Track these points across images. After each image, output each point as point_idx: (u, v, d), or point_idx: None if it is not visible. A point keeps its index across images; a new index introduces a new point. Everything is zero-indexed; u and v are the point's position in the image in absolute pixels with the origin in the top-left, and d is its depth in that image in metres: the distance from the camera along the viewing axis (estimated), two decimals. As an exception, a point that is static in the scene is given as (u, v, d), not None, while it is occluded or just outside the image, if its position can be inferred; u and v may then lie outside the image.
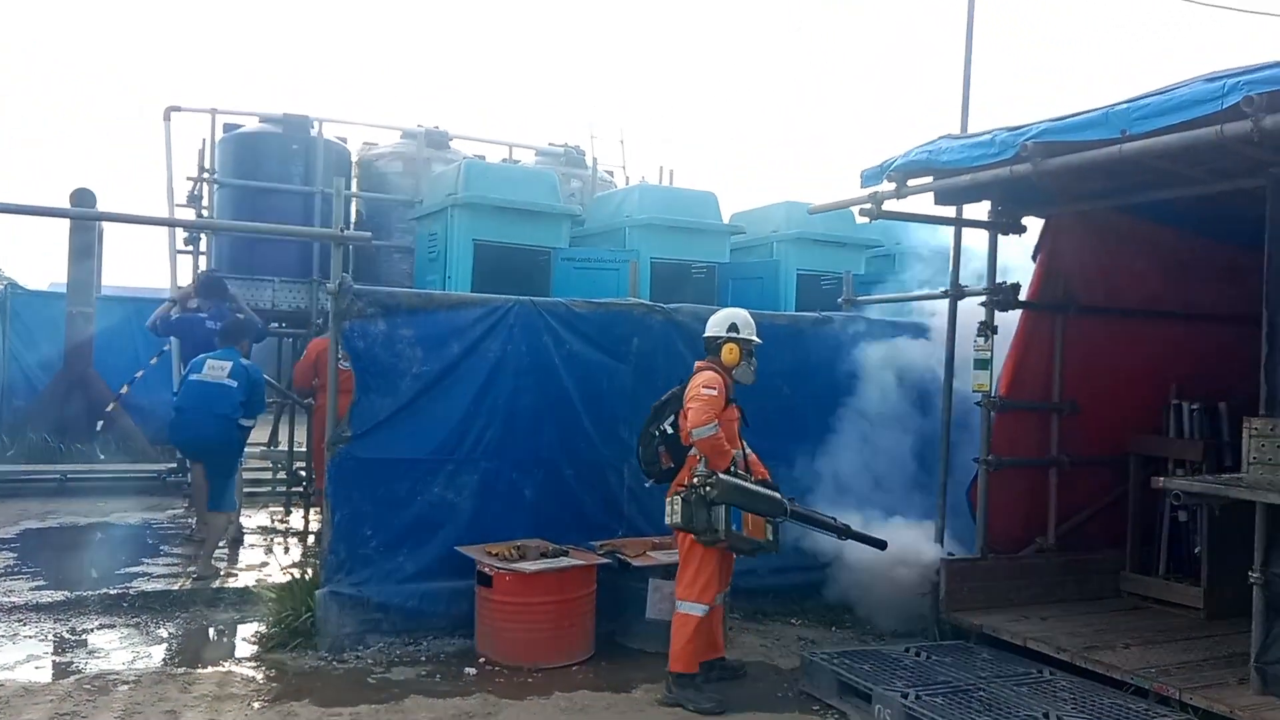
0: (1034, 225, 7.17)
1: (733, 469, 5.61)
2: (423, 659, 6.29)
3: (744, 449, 5.92)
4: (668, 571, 6.57)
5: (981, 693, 5.41)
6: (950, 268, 7.32)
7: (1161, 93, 4.87)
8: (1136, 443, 7.26)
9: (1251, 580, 5.23)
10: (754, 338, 5.96)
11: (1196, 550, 6.79)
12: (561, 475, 7.17)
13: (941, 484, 7.09)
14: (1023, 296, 6.96)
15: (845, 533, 6.03)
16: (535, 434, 7.08)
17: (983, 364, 6.87)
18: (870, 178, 6.55)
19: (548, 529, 6.95)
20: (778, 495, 5.67)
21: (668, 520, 5.62)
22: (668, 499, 5.64)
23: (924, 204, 6.97)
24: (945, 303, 7.26)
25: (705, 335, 6.04)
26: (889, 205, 6.57)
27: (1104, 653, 5.80)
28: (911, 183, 6.38)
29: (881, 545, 6.16)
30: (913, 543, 6.85)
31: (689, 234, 10.68)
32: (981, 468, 6.86)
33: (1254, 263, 5.75)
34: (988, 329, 6.89)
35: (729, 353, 5.85)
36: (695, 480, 5.52)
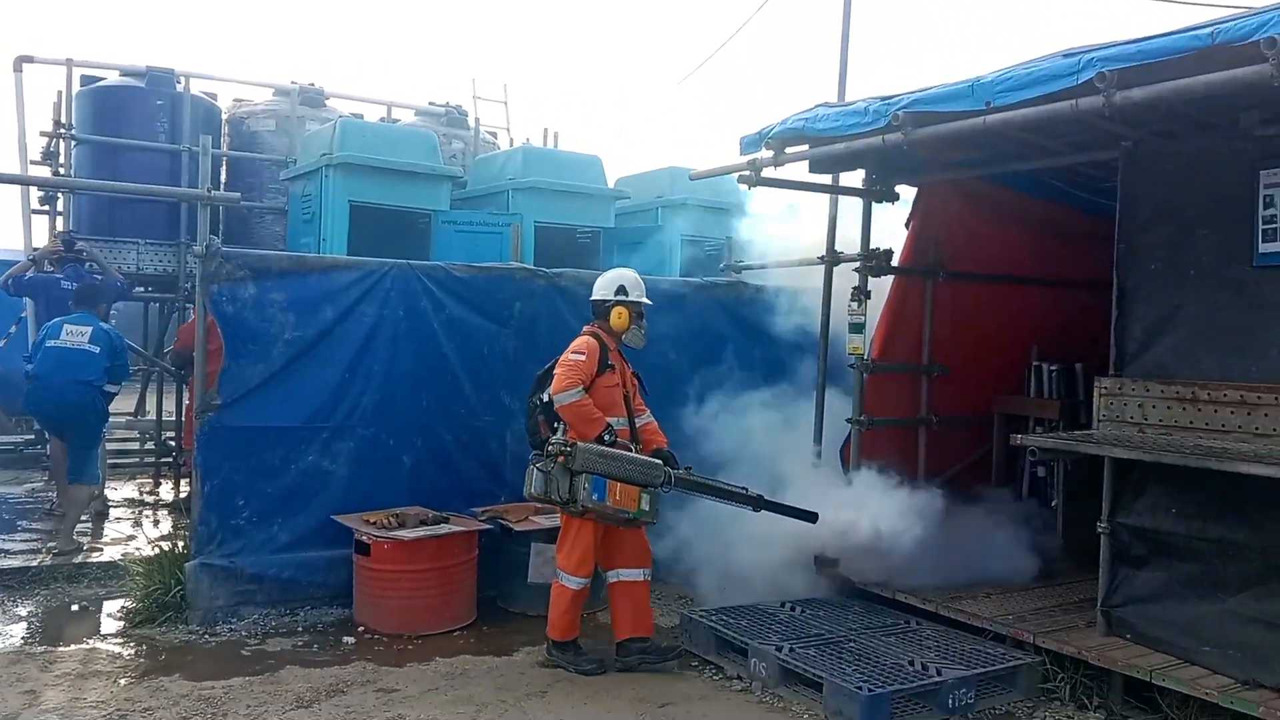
0: (907, 193, 7.37)
1: (609, 437, 5.43)
2: (299, 629, 6.18)
3: (633, 417, 5.70)
4: (550, 536, 6.60)
5: (852, 643, 5.62)
6: (826, 234, 7.48)
7: (1023, 66, 5.05)
8: (1000, 402, 7.60)
9: (1100, 530, 5.55)
10: (644, 300, 5.81)
11: (1054, 503, 7.16)
12: (441, 442, 7.10)
13: (816, 445, 7.28)
14: (895, 263, 7.15)
15: (760, 503, 5.78)
16: (414, 400, 7.00)
17: (857, 328, 7.05)
18: (749, 144, 6.63)
19: (428, 496, 6.89)
20: (655, 463, 5.46)
21: (525, 491, 5.46)
22: (527, 470, 5.46)
23: (801, 171, 7.09)
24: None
25: (592, 298, 5.86)
26: (767, 172, 6.66)
27: (967, 602, 6.08)
28: (789, 150, 6.48)
29: (812, 518, 5.96)
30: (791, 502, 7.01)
31: (573, 198, 10.60)
32: (855, 428, 7.07)
33: (1108, 231, 6.05)
34: (861, 294, 7.07)
35: (617, 316, 5.69)
36: (551, 448, 5.34)
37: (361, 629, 6.18)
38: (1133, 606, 5.37)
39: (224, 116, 12.00)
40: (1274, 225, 5.04)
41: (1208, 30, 4.19)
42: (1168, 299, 5.51)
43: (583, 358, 5.49)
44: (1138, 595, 5.37)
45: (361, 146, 9.53)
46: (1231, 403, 5.07)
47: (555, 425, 5.59)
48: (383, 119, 12.97)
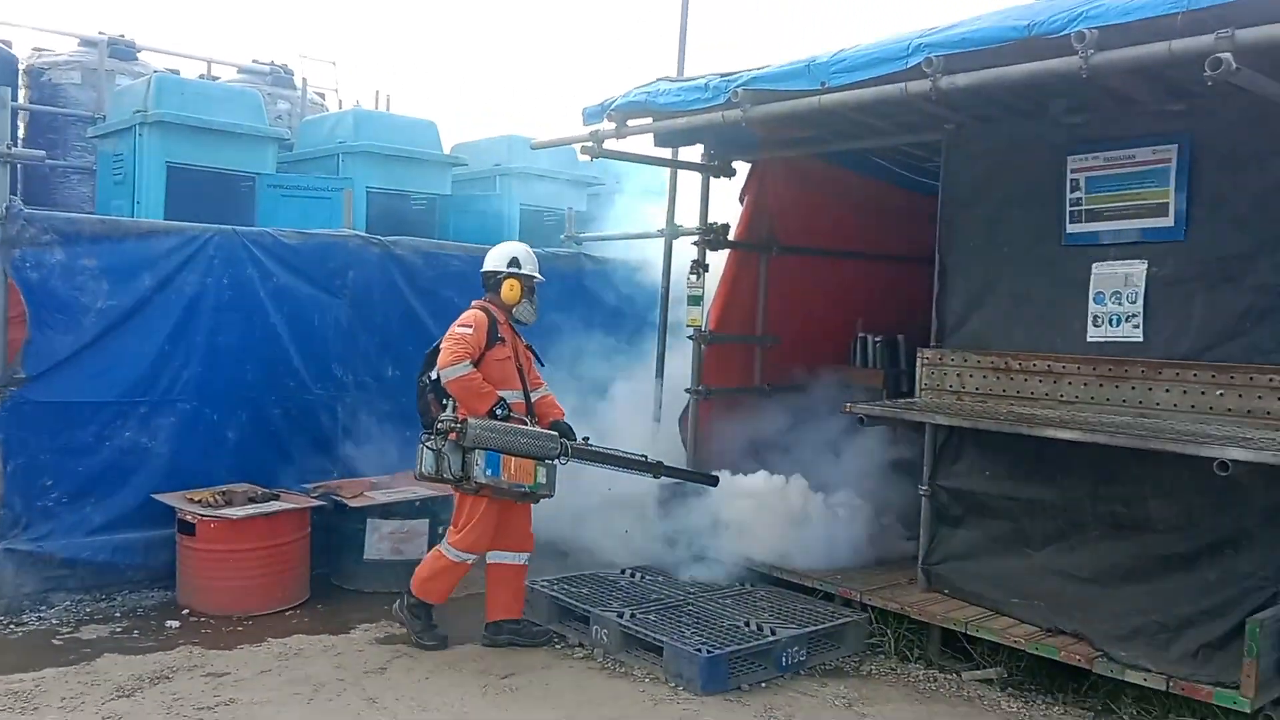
0: (743, 169, 7.53)
1: (501, 411, 5.30)
2: (118, 615, 5.85)
3: (528, 390, 5.58)
4: (385, 511, 6.49)
5: (691, 607, 5.76)
6: (666, 208, 7.57)
7: (856, 48, 5.22)
8: (828, 372, 7.90)
9: (920, 492, 5.88)
10: (536, 274, 5.67)
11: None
12: (270, 416, 6.84)
13: (656, 413, 7.40)
14: (732, 237, 7.31)
15: (659, 470, 5.85)
16: (239, 373, 6.71)
17: (695, 300, 7.19)
18: (592, 115, 6.61)
19: (256, 473, 6.63)
20: (550, 435, 5.40)
21: (416, 472, 5.30)
22: (417, 449, 5.31)
23: (643, 144, 7.14)
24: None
25: (483, 270, 5.66)
26: (610, 144, 6.67)
27: (798, 563, 6.32)
28: (631, 123, 6.50)
29: (713, 481, 6.09)
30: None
31: (408, 163, 10.30)
32: (692, 397, 7.22)
33: (929, 208, 6.36)
34: (699, 267, 7.21)
35: (509, 289, 5.53)
36: (440, 426, 5.22)
37: (186, 612, 5.90)
38: (950, 563, 5.72)
39: (21, 66, 11.04)
40: (1080, 207, 5.41)
41: (1025, 23, 4.44)
42: (984, 275, 5.84)
43: (469, 331, 5.32)
44: (955, 553, 5.72)
45: (180, 104, 8.95)
46: (1040, 372, 5.44)
47: (445, 403, 5.41)
48: (202, 76, 12.24)
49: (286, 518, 6.12)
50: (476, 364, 5.30)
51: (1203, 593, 4.65)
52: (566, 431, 5.56)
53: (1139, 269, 5.20)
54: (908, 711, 4.85)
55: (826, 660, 5.41)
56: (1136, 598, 4.85)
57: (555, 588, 5.98)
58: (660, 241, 7.81)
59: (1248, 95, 4.34)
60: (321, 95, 13.59)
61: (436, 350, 5.42)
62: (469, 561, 5.47)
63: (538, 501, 5.49)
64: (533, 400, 5.61)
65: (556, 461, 5.39)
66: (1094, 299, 5.35)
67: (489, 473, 5.16)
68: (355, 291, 7.16)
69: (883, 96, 5.08)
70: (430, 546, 6.56)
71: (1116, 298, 5.27)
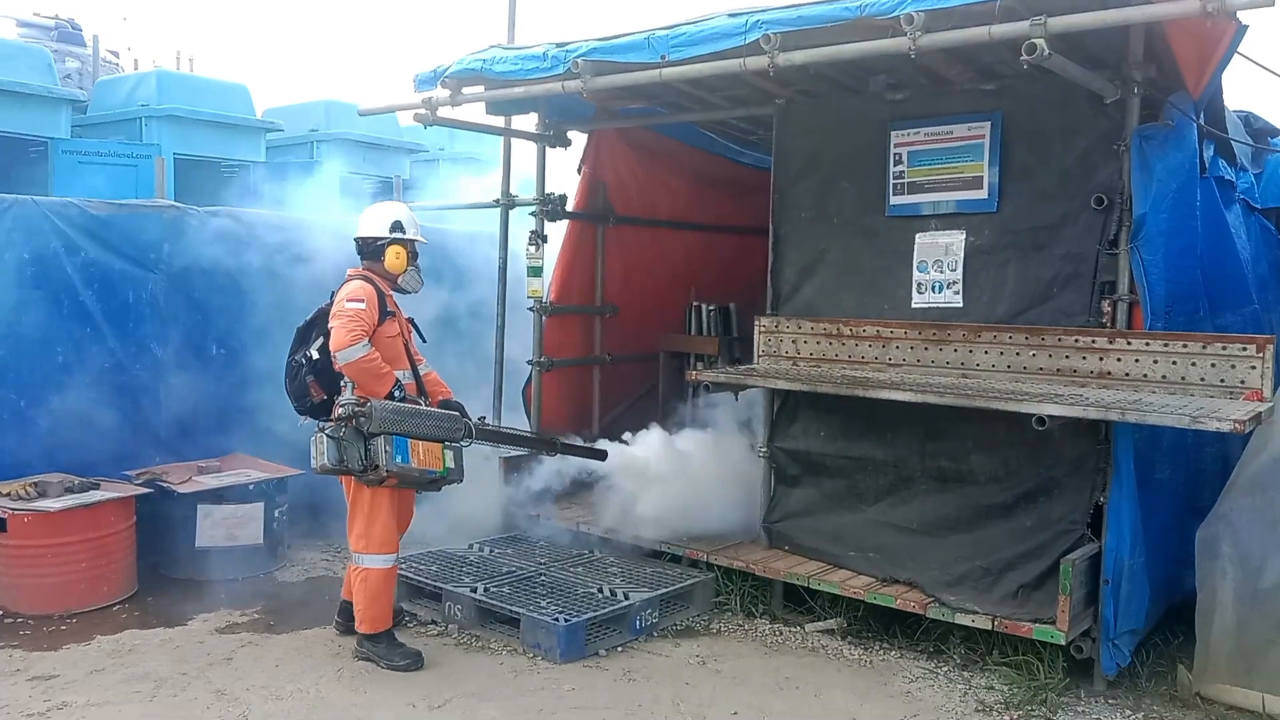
0: (579, 139, 7.54)
1: (399, 393, 4.92)
2: (-82, 623, 5.37)
3: (416, 367, 5.20)
4: (217, 496, 6.21)
5: (543, 577, 5.81)
6: (501, 177, 7.50)
7: (694, 23, 5.30)
8: (665, 340, 8.08)
9: (759, 454, 6.13)
10: (419, 238, 5.25)
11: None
12: (83, 400, 6.36)
13: (497, 385, 7.37)
14: (569, 207, 7.32)
15: (554, 447, 5.70)
16: (47, 355, 6.22)
17: (534, 271, 7.17)
18: (424, 82, 6.44)
19: (71, 461, 6.18)
20: (454, 415, 5.05)
21: (314, 464, 4.70)
22: (312, 439, 4.70)
23: (476, 112, 7.03)
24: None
25: (359, 236, 5.14)
26: (443, 112, 6.53)
27: (644, 527, 6.45)
28: (465, 90, 6.37)
29: (602, 456, 5.95)
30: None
31: (218, 128, 9.81)
32: (535, 369, 7.22)
33: (759, 181, 6.56)
34: (538, 238, 7.19)
35: (394, 257, 5.05)
36: (342, 412, 4.67)
37: (1, 614, 5.48)
38: (789, 521, 5.99)
39: None
40: (902, 180, 5.73)
41: (858, 4, 4.64)
42: (815, 245, 6.10)
43: (362, 306, 4.82)
44: (793, 510, 6.00)
45: (-45, 60, 8.18)
46: (869, 337, 5.75)
47: (329, 386, 4.94)
48: (-26, 28, 11.17)
49: (109, 508, 5.75)
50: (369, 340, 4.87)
51: (1021, 538, 5.07)
52: (461, 410, 5.24)
53: (958, 239, 5.57)
54: (757, 664, 5.07)
55: (678, 620, 5.58)
56: (962, 546, 5.24)
57: (405, 566, 5.88)
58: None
59: (1053, 77, 4.72)
60: (115, 54, 12.67)
61: (310, 326, 5.01)
62: (395, 563, 5.04)
63: (439, 489, 5.13)
64: (421, 377, 5.24)
65: (462, 443, 5.06)
66: (917, 267, 5.70)
67: (399, 460, 4.72)
68: (173, 265, 6.75)
69: (722, 71, 5.20)
70: (267, 531, 6.37)
71: (938, 266, 5.62)
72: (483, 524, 6.73)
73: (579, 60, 5.60)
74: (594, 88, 5.66)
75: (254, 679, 4.75)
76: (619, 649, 5.21)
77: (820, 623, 5.51)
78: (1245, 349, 4.61)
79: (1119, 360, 4.89)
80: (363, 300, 4.84)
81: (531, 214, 7.25)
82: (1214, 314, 5.32)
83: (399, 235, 5.11)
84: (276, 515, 6.46)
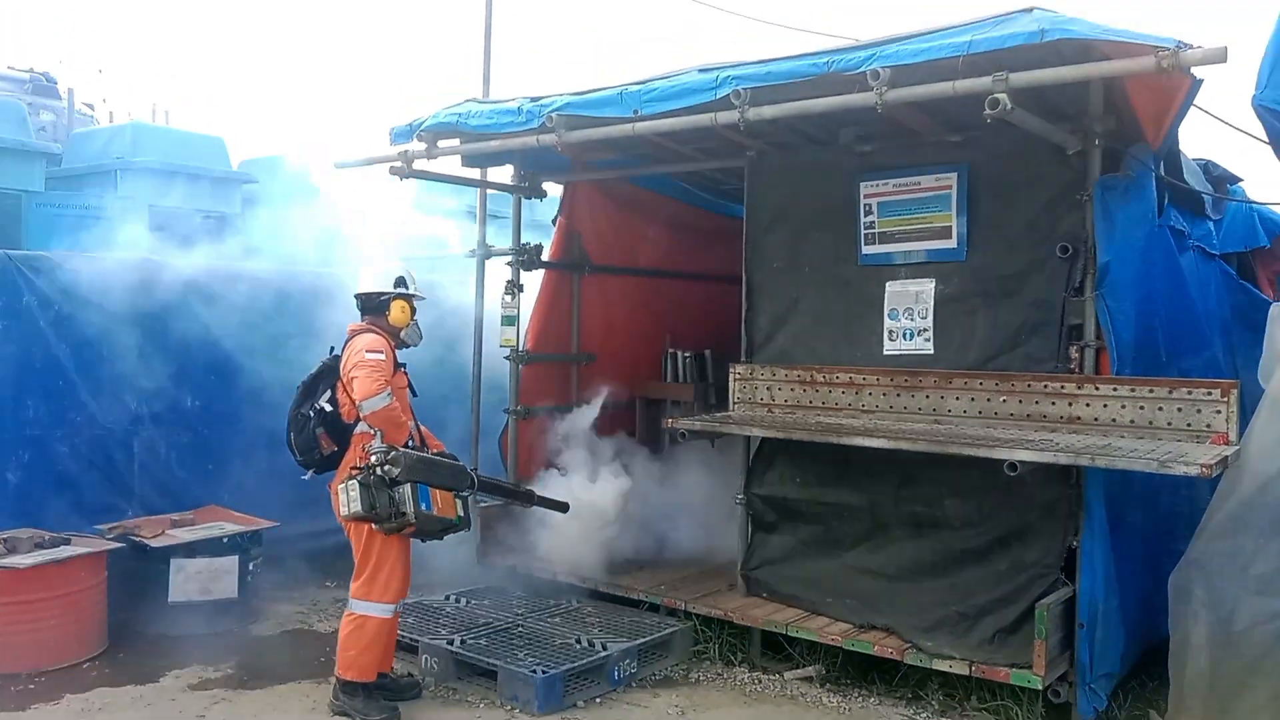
0: (555, 190, 7.63)
1: (412, 444, 4.97)
2: (-119, 684, 5.26)
3: (415, 421, 5.24)
4: (190, 549, 6.15)
5: (521, 628, 5.78)
6: (478, 228, 7.56)
7: (666, 78, 5.42)
8: (641, 387, 8.12)
9: (736, 501, 6.15)
10: (422, 294, 5.35)
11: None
12: (55, 454, 6.34)
13: (474, 433, 7.37)
14: (545, 257, 7.39)
15: (530, 499, 5.73)
16: (18, 408, 6.21)
17: (509, 320, 7.21)
18: (400, 135, 6.52)
19: (40, 516, 6.13)
20: (462, 466, 5.08)
21: (343, 512, 4.70)
22: (338, 487, 4.76)
23: (451, 165, 7.10)
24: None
25: (363, 291, 5.21)
26: (419, 165, 6.60)
27: (624, 577, 6.46)
28: (441, 144, 6.44)
29: (564, 508, 5.92)
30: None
31: (195, 180, 9.77)
32: (511, 417, 7.24)
33: (731, 229, 6.65)
34: (514, 287, 7.24)
35: (400, 312, 5.12)
36: (375, 459, 4.67)
37: (-34, 674, 5.38)
38: (768, 568, 6.00)
39: None
40: (873, 230, 5.83)
41: (825, 60, 4.76)
42: (788, 293, 6.18)
43: (382, 358, 4.90)
44: (771, 557, 6.01)
45: (-70, 115, 8.18)
46: (843, 384, 5.81)
47: (339, 438, 4.97)
48: (-51, 83, 11.18)
49: (80, 563, 5.68)
50: None
51: (996, 582, 5.10)
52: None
53: (928, 287, 5.66)
54: (736, 714, 5.06)
55: (656, 670, 5.56)
56: (938, 591, 5.27)
57: (380, 618, 5.84)
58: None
59: (1018, 129, 4.83)
60: (90, 106, 12.69)
61: (316, 379, 5.02)
62: (399, 612, 5.05)
63: (442, 538, 5.11)
64: (420, 431, 5.27)
65: (467, 493, 5.05)
66: (888, 315, 5.78)
67: (423, 506, 4.73)
68: (149, 318, 6.74)
69: (694, 125, 5.30)
70: (241, 585, 6.30)
71: (909, 314, 5.71)
72: (460, 575, 6.70)
73: (553, 114, 5.68)
74: (568, 141, 5.75)
75: (228, 736, 4.69)
76: (597, 700, 5.18)
77: (799, 670, 5.51)
78: (1210, 393, 4.70)
79: (1088, 405, 4.97)
80: (382, 352, 4.92)
81: (507, 264, 7.30)
82: (1176, 359, 5.42)
83: (403, 290, 5.18)
84: (251, 568, 6.40)
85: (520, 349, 7.23)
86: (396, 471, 4.64)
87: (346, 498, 4.64)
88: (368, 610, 4.90)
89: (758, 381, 6.18)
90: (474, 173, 7.51)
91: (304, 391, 5.05)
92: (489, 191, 7.77)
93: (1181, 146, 5.59)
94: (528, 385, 7.32)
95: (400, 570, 4.98)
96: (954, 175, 5.58)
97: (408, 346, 5.29)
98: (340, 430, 4.96)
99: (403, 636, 5.58)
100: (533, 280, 7.43)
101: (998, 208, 5.43)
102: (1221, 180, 6.87)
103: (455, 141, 6.51)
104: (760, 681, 5.45)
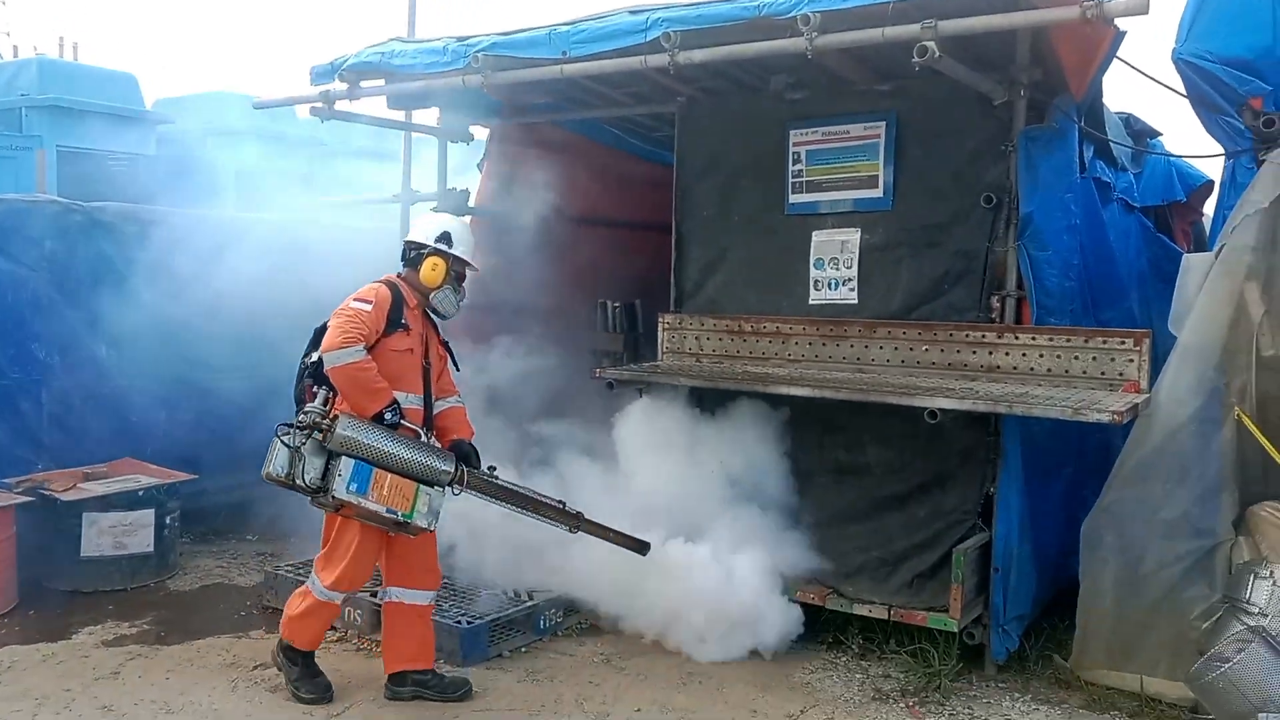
0: (482, 134, 7.47)
1: (391, 416, 4.28)
2: None
3: (431, 397, 4.56)
4: (104, 503, 5.99)
5: (447, 580, 5.71)
6: (402, 171, 7.38)
7: (596, 19, 5.30)
8: (573, 338, 8.04)
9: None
10: (469, 259, 4.67)
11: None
12: (-42, 405, 6.09)
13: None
14: (471, 203, 7.24)
15: (579, 523, 4.77)
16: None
17: (436, 268, 7.06)
18: (321, 75, 6.31)
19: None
20: (443, 454, 4.40)
21: (264, 470, 4.17)
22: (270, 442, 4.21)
23: (376, 106, 6.91)
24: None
25: (407, 239, 4.70)
26: (341, 105, 6.40)
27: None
28: (364, 84, 6.25)
29: (645, 549, 5.03)
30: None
31: (105, 120, 9.42)
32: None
33: (662, 177, 6.57)
34: (441, 234, 7.08)
35: (431, 269, 4.52)
36: (303, 418, 4.16)
37: None
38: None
39: None
40: (801, 179, 5.80)
41: (756, 3, 4.68)
42: (717, 242, 6.14)
43: (367, 308, 4.29)
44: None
45: None
46: (770, 334, 5.82)
47: (318, 391, 4.35)
48: None
49: (-14, 517, 5.49)
50: (370, 349, 4.33)
51: (915, 528, 5.19)
52: (468, 455, 4.57)
53: (853, 237, 5.66)
54: (662, 661, 5.10)
55: (584, 619, 5.57)
56: (860, 537, 5.34)
57: (301, 572, 5.75)
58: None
59: (946, 79, 4.83)
60: (-9, 38, 12.09)
61: (324, 328, 4.39)
62: (337, 601, 4.53)
63: (414, 534, 4.38)
64: (435, 411, 4.62)
65: (447, 490, 4.40)
66: (814, 265, 5.77)
67: (353, 487, 4.12)
68: (56, 264, 6.47)
69: (623, 68, 5.21)
70: (157, 539, 6.15)
71: (834, 263, 5.71)
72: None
73: (480, 55, 5.54)
74: (495, 83, 5.62)
75: (143, 693, 4.59)
76: (523, 649, 5.18)
77: (724, 617, 5.56)
78: (1124, 343, 4.80)
79: (1007, 354, 5.04)
80: (370, 302, 4.34)
81: (433, 209, 7.14)
82: (1095, 310, 5.52)
83: (443, 247, 4.58)
84: (168, 522, 6.25)
85: (446, 298, 7.09)
86: (329, 440, 4.11)
87: (271, 456, 4.16)
88: (313, 587, 4.47)
89: (686, 332, 6.16)
90: (399, 115, 7.32)
91: (312, 340, 4.47)
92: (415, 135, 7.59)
93: (1105, 100, 5.64)
94: (456, 336, 7.19)
95: (356, 557, 4.37)
96: (882, 124, 5.56)
97: (442, 316, 4.71)
98: (324, 385, 4.35)
99: (326, 588, 5.51)
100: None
101: (924, 157, 5.44)
102: (1142, 134, 6.97)
103: (379, 82, 6.31)
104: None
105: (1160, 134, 7.09)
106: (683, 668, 5.00)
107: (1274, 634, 3.97)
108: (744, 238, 6.04)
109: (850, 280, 5.66)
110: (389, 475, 4.20)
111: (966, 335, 5.17)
